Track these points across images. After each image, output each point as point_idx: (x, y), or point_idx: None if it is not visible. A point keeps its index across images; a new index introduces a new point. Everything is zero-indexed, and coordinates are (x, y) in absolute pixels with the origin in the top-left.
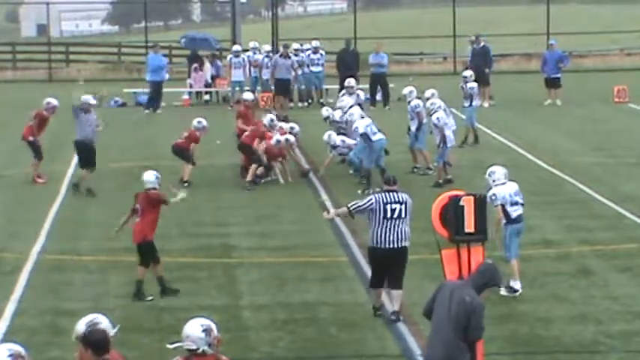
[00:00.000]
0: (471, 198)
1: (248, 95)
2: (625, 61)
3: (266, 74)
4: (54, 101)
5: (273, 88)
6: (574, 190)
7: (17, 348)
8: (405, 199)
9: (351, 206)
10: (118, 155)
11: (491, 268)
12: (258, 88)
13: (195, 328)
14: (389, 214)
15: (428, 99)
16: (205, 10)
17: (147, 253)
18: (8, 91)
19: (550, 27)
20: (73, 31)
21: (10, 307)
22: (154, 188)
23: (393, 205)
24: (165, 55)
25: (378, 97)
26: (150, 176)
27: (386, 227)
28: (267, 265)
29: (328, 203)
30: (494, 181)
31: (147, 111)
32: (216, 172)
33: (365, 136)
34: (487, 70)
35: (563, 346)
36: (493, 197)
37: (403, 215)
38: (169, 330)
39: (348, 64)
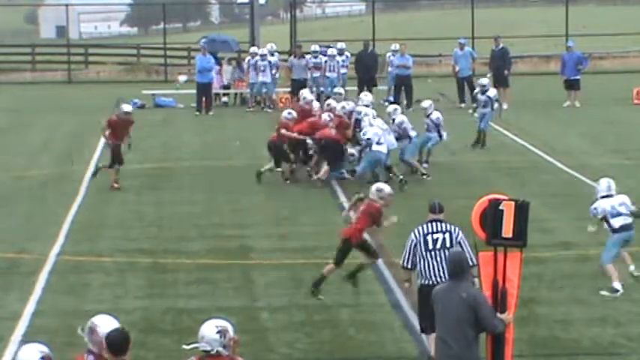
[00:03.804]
0: (512, 203)
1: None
2: None
3: (263, 76)
4: (126, 107)
5: (329, 89)
6: (593, 192)
7: (47, 350)
8: (449, 228)
9: (402, 262)
10: (137, 157)
11: (455, 254)
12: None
13: (210, 330)
14: (431, 245)
15: (425, 109)
16: (224, 11)
17: (344, 253)
18: (27, 93)
19: (569, 28)
20: (92, 33)
21: (29, 308)
22: (374, 201)
23: (435, 235)
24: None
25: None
26: (374, 188)
27: (430, 260)
28: (284, 267)
29: (346, 205)
30: (598, 192)
31: (197, 113)
32: (235, 173)
33: (369, 142)
34: (506, 72)
35: (582, 349)
36: (594, 211)
37: (448, 245)
38: (188, 331)
39: (366, 65)
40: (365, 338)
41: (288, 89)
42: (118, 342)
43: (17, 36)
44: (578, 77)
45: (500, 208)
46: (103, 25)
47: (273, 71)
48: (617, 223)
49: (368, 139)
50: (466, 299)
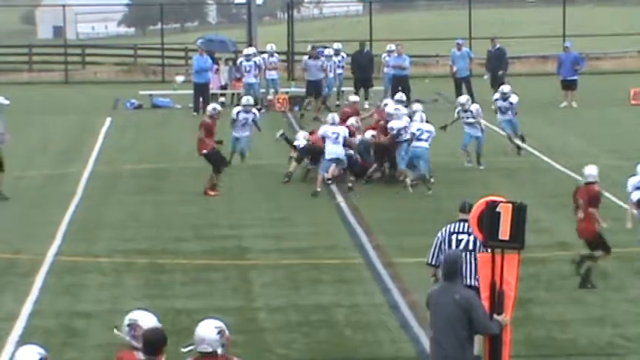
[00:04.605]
0: (509, 205)
1: (355, 97)
2: None
3: (248, 77)
4: (218, 107)
5: (327, 90)
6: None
7: (44, 352)
8: None
9: (428, 259)
10: (133, 157)
11: (450, 255)
12: (272, 90)
13: (210, 331)
14: (454, 245)
15: (463, 104)
16: (221, 12)
17: (596, 248)
18: (24, 93)
19: (566, 29)
20: (89, 33)
21: (27, 309)
22: (595, 182)
23: (460, 236)
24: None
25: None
26: (592, 170)
27: None
28: (281, 267)
29: (343, 205)
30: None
31: (194, 114)
32: (232, 174)
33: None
34: (501, 72)
35: (579, 349)
36: (630, 190)
37: (471, 247)
38: (186, 332)
39: (362, 66)
40: (362, 338)
41: (286, 90)
42: (155, 341)
43: (14, 36)
44: (575, 77)
45: (498, 210)
46: (100, 25)
47: (274, 72)
48: (635, 196)
49: (412, 133)
50: (459, 301)
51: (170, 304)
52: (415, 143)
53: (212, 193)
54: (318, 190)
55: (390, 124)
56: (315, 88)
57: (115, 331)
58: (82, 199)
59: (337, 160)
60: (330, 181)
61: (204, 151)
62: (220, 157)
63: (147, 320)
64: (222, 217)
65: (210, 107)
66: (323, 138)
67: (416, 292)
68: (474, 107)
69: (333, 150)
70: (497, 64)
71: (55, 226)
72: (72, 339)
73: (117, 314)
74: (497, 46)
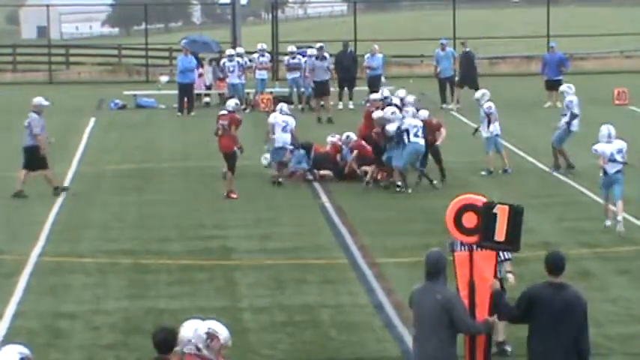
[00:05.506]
0: (506, 207)
1: (376, 95)
2: (625, 64)
3: (232, 77)
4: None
5: (310, 90)
6: (573, 192)
7: (27, 351)
8: None
9: None
10: (117, 157)
11: (432, 254)
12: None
13: (193, 330)
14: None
15: (478, 99)
16: (205, 12)
17: None
18: (8, 93)
19: (550, 29)
20: (73, 34)
21: (10, 310)
22: None
23: None
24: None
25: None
26: None
27: None
28: (266, 268)
29: (328, 205)
30: (602, 137)
31: (179, 114)
32: (216, 174)
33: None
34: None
35: None
36: (594, 151)
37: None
38: None
39: (345, 66)
40: (347, 339)
41: (270, 90)
42: (167, 340)
43: None
44: (560, 78)
45: (494, 211)
46: (84, 25)
47: (264, 72)
48: (611, 169)
49: (406, 130)
50: (440, 301)
51: (154, 304)
52: (413, 139)
53: (234, 195)
54: (281, 180)
55: (386, 128)
56: (321, 88)
57: None
58: (65, 199)
59: (285, 149)
60: (311, 177)
61: (236, 148)
62: (235, 160)
63: (224, 332)
64: (207, 217)
65: (231, 102)
66: (272, 125)
67: (400, 292)
68: (487, 105)
69: (282, 138)
70: (466, 66)
71: (38, 226)
72: (56, 340)
73: (101, 315)
74: (467, 49)
